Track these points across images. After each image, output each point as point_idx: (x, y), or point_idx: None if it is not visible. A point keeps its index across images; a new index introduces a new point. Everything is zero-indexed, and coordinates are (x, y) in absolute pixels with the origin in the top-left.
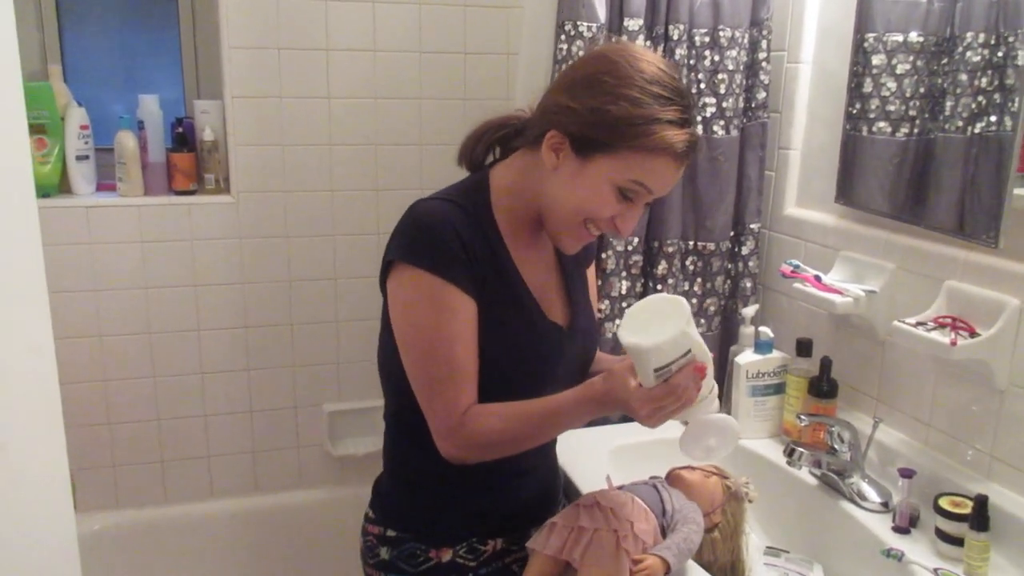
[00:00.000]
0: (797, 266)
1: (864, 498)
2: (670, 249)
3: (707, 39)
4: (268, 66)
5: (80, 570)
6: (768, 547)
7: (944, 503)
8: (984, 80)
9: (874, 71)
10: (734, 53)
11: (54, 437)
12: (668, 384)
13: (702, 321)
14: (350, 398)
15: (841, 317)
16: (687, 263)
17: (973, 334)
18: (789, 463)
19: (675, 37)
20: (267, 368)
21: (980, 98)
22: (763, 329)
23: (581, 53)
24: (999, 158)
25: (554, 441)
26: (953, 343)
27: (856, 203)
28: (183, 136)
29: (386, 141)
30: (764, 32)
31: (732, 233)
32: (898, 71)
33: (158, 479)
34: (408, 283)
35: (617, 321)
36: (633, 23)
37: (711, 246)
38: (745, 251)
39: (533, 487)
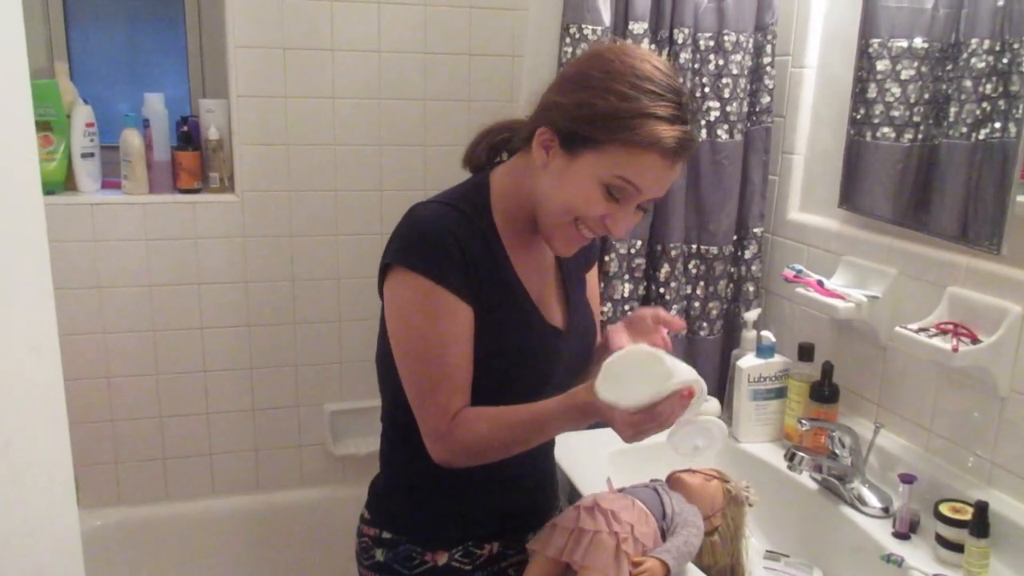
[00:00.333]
0: (800, 271)
1: (864, 503)
2: (673, 252)
3: (712, 43)
4: (273, 66)
5: (83, 567)
6: (768, 551)
7: (944, 509)
8: (989, 87)
9: (878, 76)
10: (739, 57)
11: (58, 435)
12: (651, 412)
13: (704, 325)
14: (352, 398)
15: (843, 322)
16: (690, 267)
17: (975, 341)
18: (790, 467)
19: (680, 41)
20: (269, 367)
21: (984, 104)
22: (765, 333)
23: None
24: (1003, 165)
25: (551, 444)
26: (955, 349)
27: (859, 208)
28: (188, 135)
29: (390, 142)
30: (769, 36)
31: (735, 237)
32: (902, 77)
33: (160, 476)
34: (403, 286)
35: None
36: (638, 26)
37: (714, 250)
38: (748, 255)
39: (530, 491)
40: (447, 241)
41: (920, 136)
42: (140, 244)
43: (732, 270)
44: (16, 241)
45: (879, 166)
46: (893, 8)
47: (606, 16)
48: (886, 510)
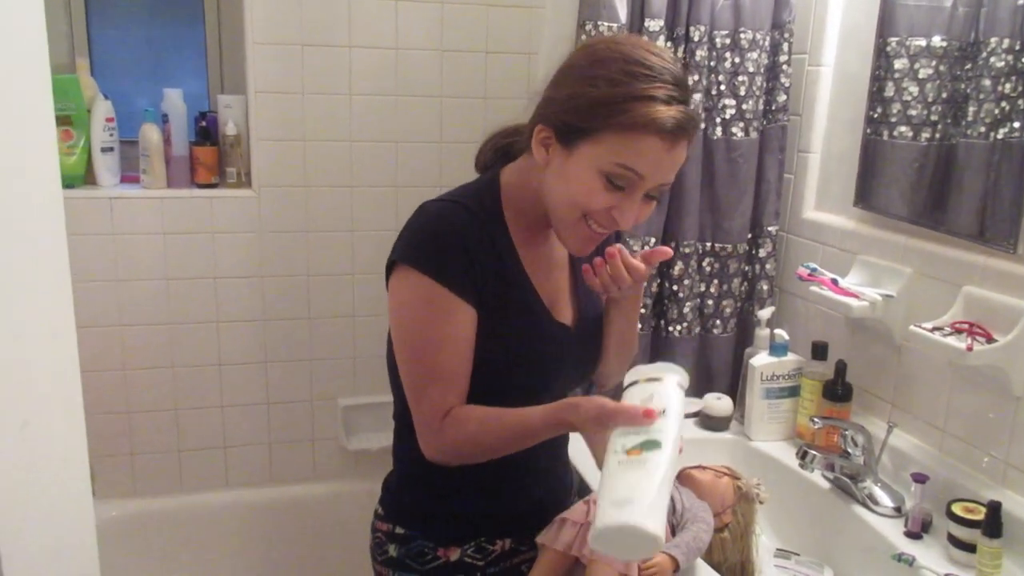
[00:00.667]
0: (814, 269)
1: (876, 502)
2: (687, 250)
3: (728, 41)
4: (291, 62)
5: (97, 550)
6: (779, 549)
7: (957, 509)
8: (1008, 86)
9: (896, 75)
10: (755, 55)
11: (74, 419)
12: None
13: (718, 323)
14: (365, 392)
15: (857, 321)
16: (704, 264)
17: (990, 340)
18: (802, 466)
19: (696, 39)
20: (284, 361)
21: (1004, 104)
22: (779, 332)
23: None
24: (1021, 164)
25: (566, 440)
26: (969, 348)
27: (875, 207)
28: (206, 130)
29: (406, 138)
30: (786, 35)
31: (750, 235)
32: (920, 75)
33: (175, 468)
34: (406, 284)
35: None
36: (654, 23)
37: (728, 248)
38: (762, 254)
39: (543, 487)
40: (453, 240)
41: (938, 135)
42: (158, 238)
43: (746, 268)
44: (36, 232)
45: (896, 165)
46: (911, 6)
47: (622, 13)
48: (898, 510)
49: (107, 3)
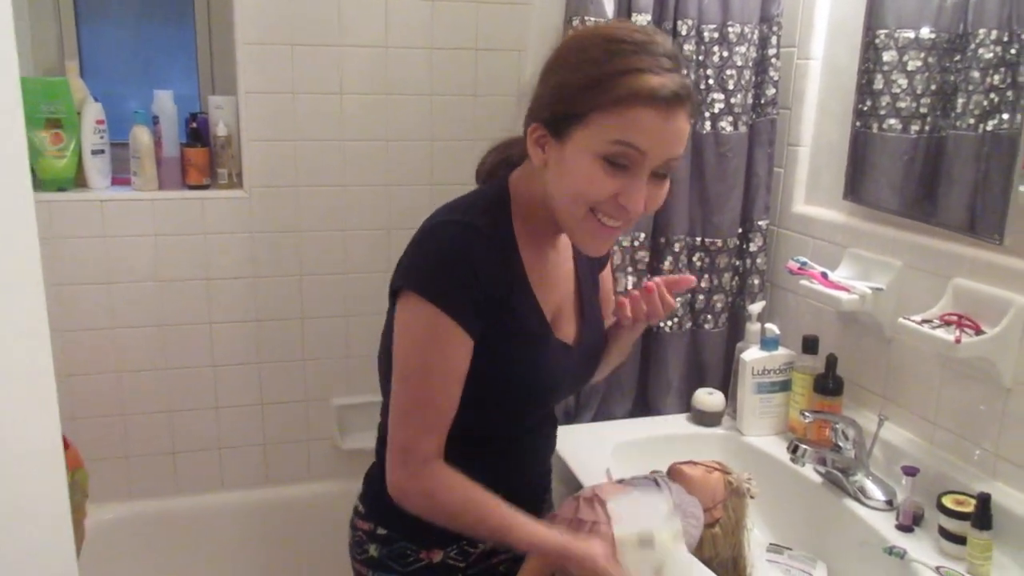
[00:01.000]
0: (804, 263)
1: (868, 496)
2: (677, 245)
3: (716, 35)
4: (281, 62)
5: (74, 551)
6: (771, 544)
7: (947, 501)
8: (996, 77)
9: (885, 68)
10: (743, 49)
11: (48, 420)
12: None
13: (708, 318)
14: (359, 392)
15: (847, 314)
16: (694, 259)
17: (979, 332)
18: (793, 460)
19: (684, 32)
20: (278, 361)
21: (992, 95)
22: (769, 326)
23: None
24: (1010, 156)
25: (551, 450)
26: (958, 341)
27: (865, 200)
28: (197, 131)
29: (397, 137)
30: (774, 28)
31: (740, 230)
32: (909, 68)
33: (169, 470)
34: (413, 310)
35: None
36: (641, 18)
37: (718, 242)
38: (753, 248)
39: (525, 495)
40: (464, 269)
41: (927, 128)
42: (149, 240)
43: (737, 263)
44: (6, 233)
45: (885, 158)
46: None
47: (609, 8)
48: (890, 503)
49: (96, 5)
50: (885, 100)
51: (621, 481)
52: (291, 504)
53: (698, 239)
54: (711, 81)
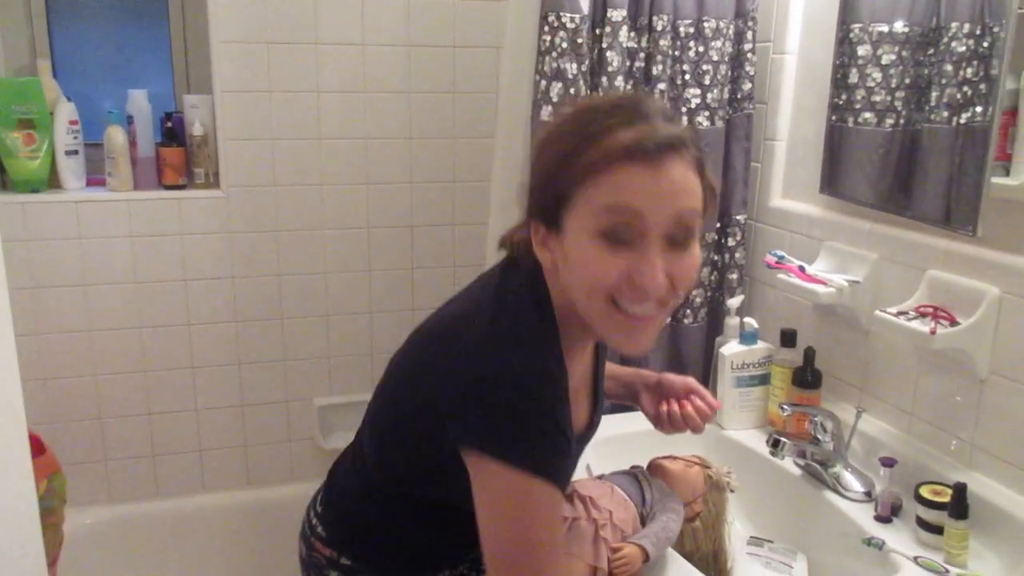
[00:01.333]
0: (782, 257)
1: (846, 487)
2: None
3: (692, 30)
4: (257, 60)
5: (43, 552)
6: (752, 537)
7: (924, 492)
8: (969, 71)
9: (859, 62)
10: (719, 44)
11: (14, 424)
12: None
13: (688, 312)
14: (341, 392)
15: (825, 307)
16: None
17: (954, 323)
18: (773, 453)
19: (659, 28)
20: (258, 362)
21: (965, 89)
22: (748, 320)
23: (564, 44)
24: (983, 148)
25: None
26: (933, 332)
27: (841, 194)
28: (173, 131)
29: (375, 135)
30: (749, 23)
31: (718, 225)
32: (883, 61)
33: (150, 473)
34: (504, 482)
35: None
36: (616, 13)
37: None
38: (731, 242)
39: None
40: (551, 428)
41: (901, 121)
42: (126, 241)
43: (716, 258)
44: None
45: (860, 151)
46: None
47: (584, 4)
48: (868, 494)
49: (68, 3)
50: (860, 94)
51: (601, 477)
52: (273, 506)
53: None
54: (687, 76)
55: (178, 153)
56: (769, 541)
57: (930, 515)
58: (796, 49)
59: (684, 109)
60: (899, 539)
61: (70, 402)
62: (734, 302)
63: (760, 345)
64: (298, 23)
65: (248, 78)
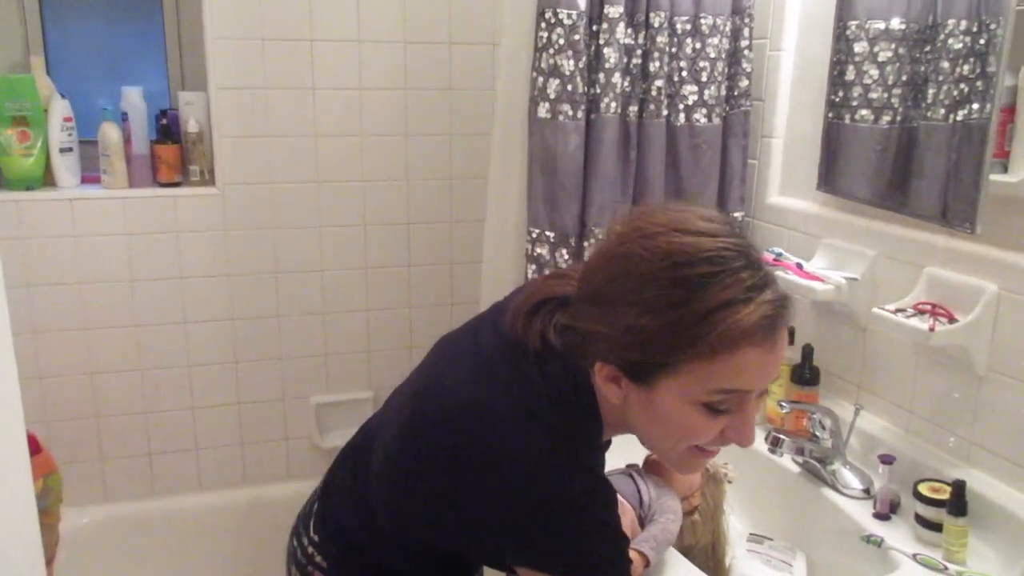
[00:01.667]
0: (779, 254)
1: (845, 485)
2: None
3: (688, 27)
4: (252, 57)
5: (42, 556)
6: (751, 534)
7: (923, 489)
8: (966, 67)
9: (856, 59)
10: (716, 41)
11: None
12: None
13: None
14: (337, 390)
15: (823, 304)
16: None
17: (952, 320)
18: (771, 451)
19: (656, 24)
20: (254, 360)
21: (962, 85)
22: None
23: (561, 41)
24: (980, 145)
25: None
26: (931, 329)
27: (838, 191)
28: (167, 128)
29: (371, 132)
30: (746, 20)
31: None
32: (880, 59)
33: (146, 472)
34: None
35: None
36: (613, 10)
37: None
38: None
39: None
40: (619, 539)
41: (898, 118)
42: (121, 239)
43: None
44: None
45: (857, 148)
46: None
47: (581, 0)
48: (867, 491)
49: (62, 0)
50: (857, 91)
51: None
52: (270, 504)
53: None
54: (684, 73)
55: (173, 150)
56: (769, 538)
57: (929, 512)
58: (793, 46)
59: (681, 106)
60: (898, 536)
61: (65, 401)
62: None
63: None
64: (293, 19)
65: (243, 75)
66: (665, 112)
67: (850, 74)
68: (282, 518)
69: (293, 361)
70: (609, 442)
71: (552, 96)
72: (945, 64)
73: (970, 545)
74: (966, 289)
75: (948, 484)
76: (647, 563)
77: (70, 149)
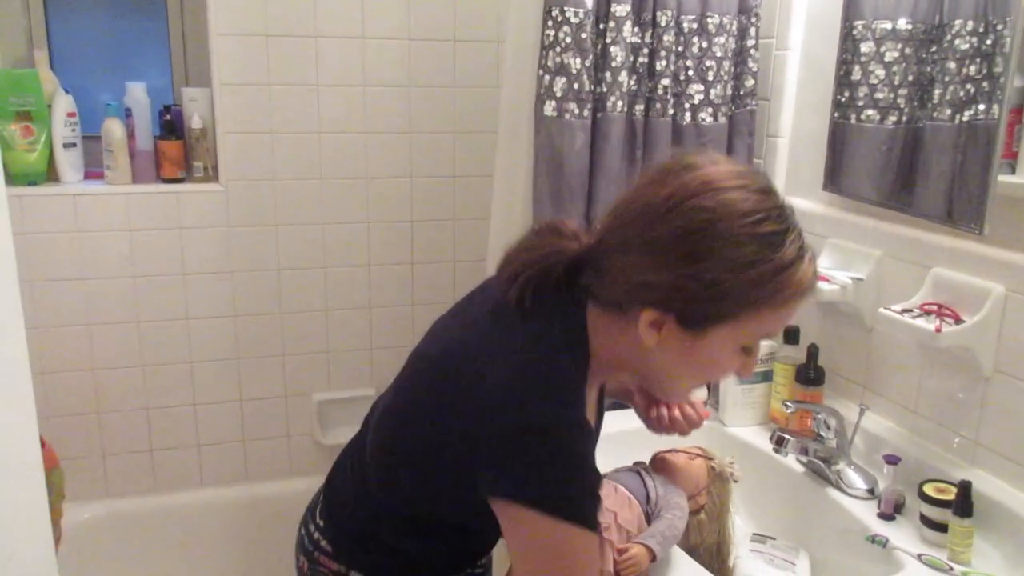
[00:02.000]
0: None
1: (850, 485)
2: None
3: (695, 25)
4: (256, 53)
5: (54, 554)
6: (755, 534)
7: (928, 489)
8: (972, 68)
9: (862, 59)
10: (722, 40)
11: (25, 421)
12: None
13: None
14: (340, 387)
15: (828, 304)
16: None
17: (958, 321)
18: (776, 450)
19: (663, 23)
20: (256, 357)
21: (968, 86)
22: None
23: (568, 39)
24: (986, 146)
25: None
26: (938, 330)
27: (844, 191)
28: (171, 124)
29: (375, 129)
30: (753, 19)
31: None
32: (886, 59)
33: (147, 468)
34: (540, 537)
35: None
36: (620, 9)
37: None
38: None
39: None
40: (591, 475)
41: (904, 118)
42: (124, 235)
43: None
44: None
45: (863, 148)
46: None
47: None
48: (871, 491)
49: None
50: (863, 91)
51: (604, 476)
52: (272, 501)
53: None
54: (691, 72)
55: (177, 147)
56: (772, 538)
57: (934, 513)
58: (799, 46)
59: (687, 105)
60: (902, 536)
61: (68, 396)
62: None
63: (763, 342)
64: (297, 16)
65: (247, 71)
66: (671, 111)
67: (856, 74)
68: (283, 515)
69: (295, 358)
70: (603, 393)
71: (558, 94)
72: (951, 64)
73: (975, 546)
74: (973, 290)
75: (953, 485)
76: (653, 557)
77: (74, 144)
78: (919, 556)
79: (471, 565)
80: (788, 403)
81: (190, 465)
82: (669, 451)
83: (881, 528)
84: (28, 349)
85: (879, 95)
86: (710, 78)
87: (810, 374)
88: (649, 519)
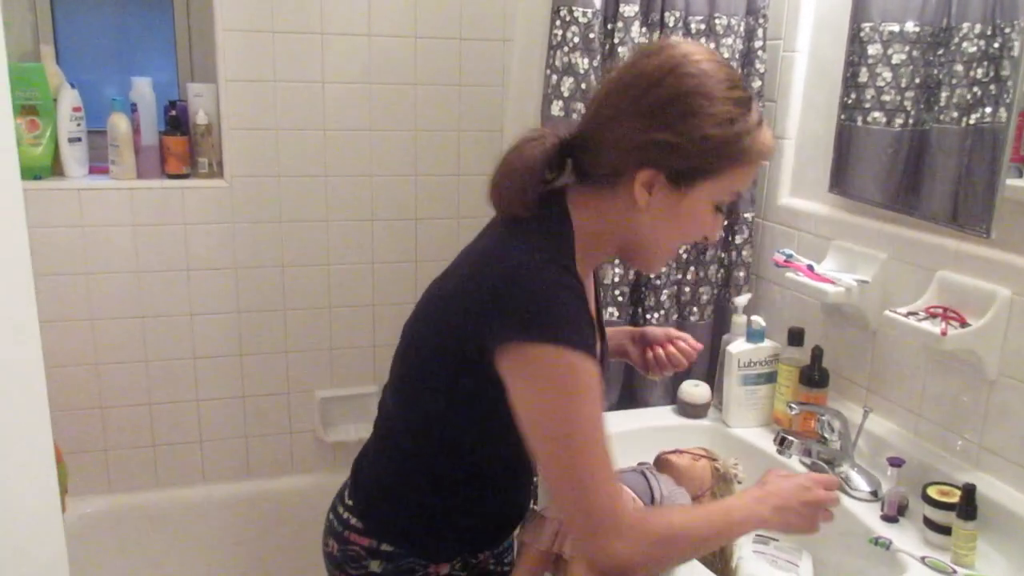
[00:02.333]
0: (790, 255)
1: (853, 487)
2: None
3: (703, 26)
4: (262, 49)
5: (66, 551)
6: (757, 535)
7: (932, 492)
8: (980, 71)
9: (870, 61)
10: (730, 41)
11: (38, 417)
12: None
13: (694, 310)
14: (342, 384)
15: (833, 307)
16: (680, 251)
17: (964, 324)
18: (779, 452)
19: (671, 24)
20: (259, 353)
21: (976, 89)
22: (755, 318)
23: (576, 39)
24: (993, 149)
25: None
26: (943, 333)
27: (850, 193)
28: (176, 119)
29: (380, 126)
30: (760, 20)
31: (726, 222)
32: (894, 61)
33: (150, 464)
34: (544, 363)
35: (611, 310)
36: (629, 9)
37: None
38: (739, 240)
39: (523, 497)
40: (581, 307)
41: (911, 121)
42: (128, 230)
43: (722, 255)
44: None
45: (870, 151)
46: None
47: None
48: (875, 494)
49: None
50: (870, 93)
51: None
52: (273, 497)
53: None
54: None
55: (182, 142)
56: (774, 539)
57: (938, 515)
58: (806, 47)
59: None
60: (906, 539)
61: (71, 391)
62: (741, 300)
63: (767, 343)
64: (304, 12)
65: (253, 67)
66: None
67: (863, 76)
68: (285, 511)
69: (298, 355)
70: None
71: (566, 94)
72: (959, 67)
73: (978, 549)
74: (978, 293)
75: (957, 488)
76: None
77: (79, 139)
78: (922, 559)
79: (492, 537)
80: (792, 405)
81: (192, 460)
82: (673, 452)
83: (884, 530)
84: None
85: (886, 97)
86: None
87: (814, 376)
88: None
